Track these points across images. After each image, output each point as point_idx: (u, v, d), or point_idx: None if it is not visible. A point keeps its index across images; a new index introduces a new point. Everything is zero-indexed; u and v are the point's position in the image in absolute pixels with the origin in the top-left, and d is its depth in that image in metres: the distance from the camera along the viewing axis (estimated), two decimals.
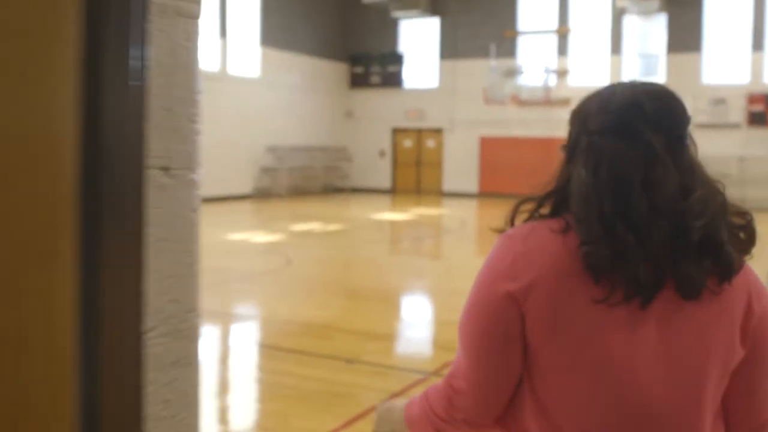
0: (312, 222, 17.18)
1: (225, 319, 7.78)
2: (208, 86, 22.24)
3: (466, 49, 25.68)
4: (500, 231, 1.50)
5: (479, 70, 24.51)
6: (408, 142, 27.46)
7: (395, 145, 27.67)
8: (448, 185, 26.60)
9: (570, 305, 1.36)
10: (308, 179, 26.43)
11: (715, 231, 1.36)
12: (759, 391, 1.47)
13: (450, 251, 13.97)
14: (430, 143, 27.12)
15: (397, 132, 27.50)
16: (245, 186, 24.12)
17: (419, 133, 27.23)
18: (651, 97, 1.43)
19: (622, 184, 1.36)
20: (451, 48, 26.14)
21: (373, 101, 27.66)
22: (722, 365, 1.40)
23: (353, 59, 27.77)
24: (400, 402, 1.67)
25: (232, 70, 23.53)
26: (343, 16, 27.70)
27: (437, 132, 26.84)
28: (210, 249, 12.65)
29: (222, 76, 23.02)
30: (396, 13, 25.78)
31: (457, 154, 26.32)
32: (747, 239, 1.42)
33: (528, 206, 1.51)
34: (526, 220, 1.50)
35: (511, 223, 1.51)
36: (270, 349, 6.68)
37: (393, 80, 27.23)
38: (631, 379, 1.36)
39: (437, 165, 26.94)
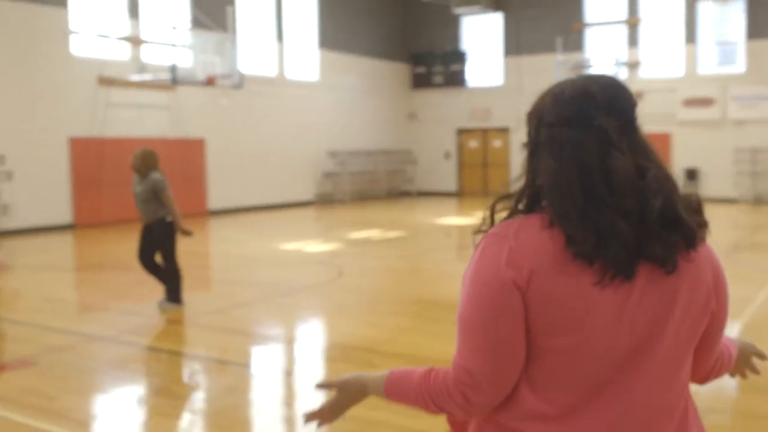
0: (371, 229, 16.47)
1: (256, 340, 7.09)
2: (266, 91, 21.81)
3: (531, 45, 24.68)
4: (481, 231, 1.63)
5: (546, 65, 23.45)
6: (473, 143, 26.59)
7: (460, 146, 26.83)
8: (516, 186, 25.57)
9: (567, 291, 1.47)
10: (371, 184, 25.79)
11: (672, 205, 1.50)
12: (713, 346, 1.69)
13: None
14: (497, 143, 26.19)
15: (462, 132, 26.64)
16: (307, 192, 23.59)
17: (485, 133, 26.33)
18: (600, 86, 1.56)
19: (584, 171, 1.49)
20: (515, 44, 25.16)
21: (437, 101, 26.86)
22: (695, 329, 1.58)
23: (415, 59, 27.02)
24: (373, 376, 1.74)
25: (290, 74, 23.03)
26: (403, 15, 26.98)
27: (503, 131, 25.89)
28: (259, 261, 12.10)
29: (280, 81, 22.56)
30: (458, 10, 24.90)
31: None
32: (699, 212, 1.57)
33: (504, 204, 1.63)
34: (506, 218, 1.61)
35: (491, 223, 1.63)
36: (300, 379, 5.94)
37: (456, 79, 26.38)
38: (620, 350, 1.51)
39: (504, 165, 25.98)
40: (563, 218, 1.48)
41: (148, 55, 18.58)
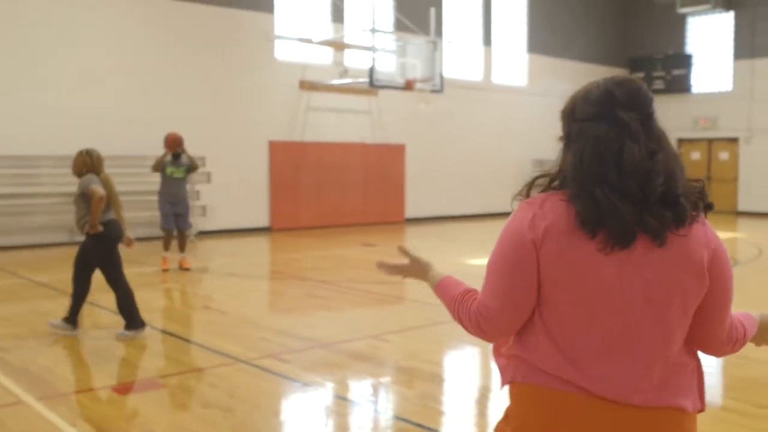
0: None
1: (409, 379, 6.17)
2: (471, 96, 20.99)
3: (766, 46, 22.15)
4: (517, 198, 2.05)
5: None
6: (696, 155, 24.34)
7: (681, 158, 24.53)
8: (744, 204, 23.14)
9: (574, 253, 1.84)
10: None
11: (673, 185, 1.84)
12: (717, 320, 2.00)
13: (746, 288, 11.18)
14: (723, 155, 23.81)
15: (683, 143, 24.46)
16: (509, 202, 22.52)
17: (710, 144, 24.02)
18: (620, 86, 1.93)
19: (600, 158, 1.85)
20: (748, 45, 22.72)
21: (656, 109, 24.71)
22: (685, 298, 1.88)
23: (632, 63, 25.14)
24: (436, 272, 2.30)
25: (497, 78, 22.08)
26: (620, 15, 25.22)
27: (731, 142, 23.48)
28: None
29: (486, 86, 21.69)
30: (684, 10, 22.87)
31: (756, 167, 22.81)
32: (700, 197, 1.92)
33: (541, 181, 2.03)
34: (541, 192, 2.00)
35: (527, 194, 2.04)
36: None
37: (679, 85, 24.26)
38: (618, 309, 1.85)
39: (731, 180, 23.56)
40: (574, 197, 1.86)
41: (349, 59, 18.34)
